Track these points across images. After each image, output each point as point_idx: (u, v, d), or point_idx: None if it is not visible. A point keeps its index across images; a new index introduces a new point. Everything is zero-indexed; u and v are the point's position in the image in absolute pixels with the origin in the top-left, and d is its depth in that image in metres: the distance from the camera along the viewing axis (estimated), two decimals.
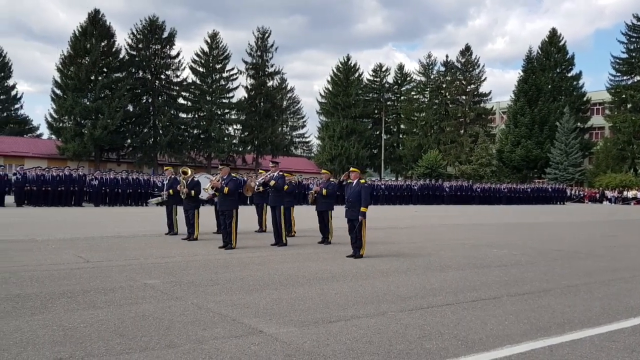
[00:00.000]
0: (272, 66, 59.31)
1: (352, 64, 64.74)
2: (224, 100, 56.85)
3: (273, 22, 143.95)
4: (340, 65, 64.72)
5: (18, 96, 59.18)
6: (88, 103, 48.54)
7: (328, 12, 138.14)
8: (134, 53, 52.94)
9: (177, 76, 55.14)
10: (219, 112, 56.34)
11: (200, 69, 56.00)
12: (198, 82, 56.07)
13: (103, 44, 49.77)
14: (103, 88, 49.13)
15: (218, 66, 56.48)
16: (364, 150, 61.68)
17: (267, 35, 58.90)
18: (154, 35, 53.13)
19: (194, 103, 55.93)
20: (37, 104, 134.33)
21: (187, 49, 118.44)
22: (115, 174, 28.24)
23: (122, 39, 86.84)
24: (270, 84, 59.34)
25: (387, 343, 4.65)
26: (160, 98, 53.99)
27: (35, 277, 7.20)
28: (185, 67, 55.38)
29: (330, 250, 10.88)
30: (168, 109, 53.70)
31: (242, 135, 58.34)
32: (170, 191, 12.90)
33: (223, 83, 56.84)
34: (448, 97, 65.26)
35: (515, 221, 22.14)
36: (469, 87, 64.45)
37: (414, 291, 6.91)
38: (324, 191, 11.86)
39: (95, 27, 49.62)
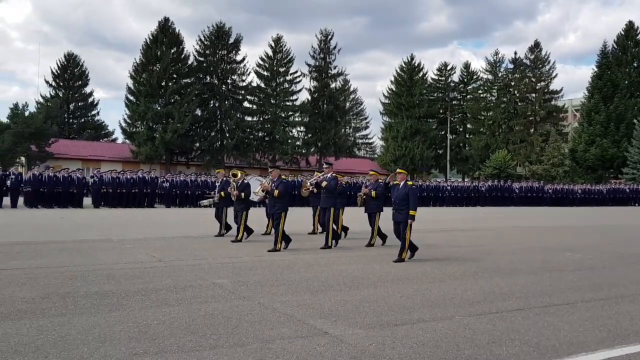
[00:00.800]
0: (335, 68, 59.52)
1: (415, 64, 63.94)
2: (287, 103, 57.56)
3: (335, 24, 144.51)
4: (403, 65, 64.05)
5: (95, 103, 62.31)
6: (159, 108, 50.43)
7: (391, 12, 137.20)
8: (202, 59, 54.54)
9: (243, 80, 56.36)
10: (283, 115, 57.06)
11: (265, 73, 56.96)
12: (263, 85, 57.05)
13: (172, 50, 51.56)
14: (173, 93, 50.90)
15: (282, 69, 57.27)
16: (428, 150, 60.75)
17: (329, 37, 59.18)
18: (220, 41, 54.53)
19: (259, 106, 56.95)
20: (112, 109, 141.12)
21: (251, 54, 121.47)
22: (185, 176, 29.24)
23: (191, 46, 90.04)
24: (333, 85, 59.55)
25: (455, 348, 4.56)
26: (226, 102, 55.36)
27: (111, 275, 7.56)
28: (250, 72, 56.55)
29: (395, 252, 10.78)
30: (234, 113, 54.94)
31: (306, 137, 58.86)
32: (222, 193, 12.95)
33: (287, 86, 57.56)
34: (517, 95, 63.13)
35: (590, 224, 21.14)
36: (538, 84, 62.08)
37: (482, 295, 6.74)
38: (373, 193, 11.69)
39: (165, 35, 51.49)
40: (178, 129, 48.80)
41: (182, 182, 27.66)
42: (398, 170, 10.12)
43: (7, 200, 23.12)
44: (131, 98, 51.87)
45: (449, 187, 37.55)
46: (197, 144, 53.72)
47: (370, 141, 70.98)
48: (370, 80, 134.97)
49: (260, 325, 5.10)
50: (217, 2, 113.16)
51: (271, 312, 5.65)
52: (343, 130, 61.77)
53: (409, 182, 9.69)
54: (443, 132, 65.02)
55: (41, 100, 58.66)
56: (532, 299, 6.57)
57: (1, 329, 4.78)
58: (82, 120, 61.59)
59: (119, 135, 61.27)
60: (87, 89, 61.92)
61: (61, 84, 60.14)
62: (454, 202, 36.35)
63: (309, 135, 58.61)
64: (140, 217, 19.43)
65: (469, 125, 67.07)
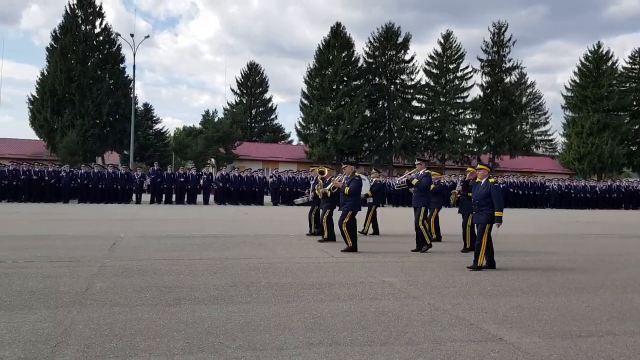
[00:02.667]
0: (509, 61, 56.41)
1: (603, 52, 57.89)
2: (458, 100, 56.02)
3: (510, 15, 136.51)
4: (589, 54, 58.40)
5: (273, 107, 67.21)
6: (330, 110, 52.47)
7: None
8: (371, 60, 55.46)
9: (412, 79, 56.13)
10: (453, 113, 55.66)
11: (434, 71, 56.09)
12: (432, 83, 56.27)
13: (343, 54, 53.25)
14: (343, 96, 52.58)
15: (452, 66, 55.89)
16: (619, 147, 54.61)
17: (503, 29, 56.25)
18: (389, 42, 54.94)
19: (427, 105, 56.27)
20: (288, 113, 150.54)
21: (420, 52, 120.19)
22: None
23: (360, 48, 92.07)
24: (507, 80, 56.50)
25: None
26: (395, 102, 55.62)
27: (289, 268, 8.06)
28: (419, 70, 56.12)
29: (577, 259, 9.92)
30: (402, 112, 54.99)
31: (478, 135, 56.69)
32: (315, 192, 12.54)
33: (457, 83, 56.03)
34: None
35: None
36: None
37: None
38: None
39: (337, 40, 53.36)
40: (348, 130, 50.29)
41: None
42: (479, 165, 9.05)
43: (200, 197, 25.91)
44: (305, 102, 54.71)
45: None
46: (366, 145, 54.77)
47: (550, 138, 66.04)
48: (550, 72, 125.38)
49: (431, 326, 5.05)
50: (386, 3, 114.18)
51: (442, 313, 5.57)
52: (519, 126, 58.29)
53: (491, 180, 8.59)
54: (637, 127, 57.92)
55: (228, 106, 64.87)
56: None
57: (197, 312, 5.37)
58: (263, 124, 66.66)
59: (294, 137, 65.14)
60: (267, 95, 67.06)
61: (244, 91, 65.81)
62: None
63: (481, 133, 56.32)
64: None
65: None
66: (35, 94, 44.44)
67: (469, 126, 57.26)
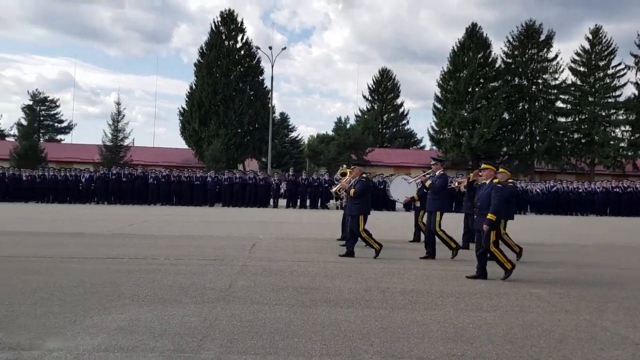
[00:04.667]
0: None
1: None
2: (609, 100, 51.25)
3: None
4: None
5: (405, 113, 66.64)
6: (466, 114, 50.73)
7: None
8: (510, 61, 52.80)
9: (555, 79, 52.45)
10: (603, 114, 51.05)
11: (581, 69, 51.93)
12: (578, 82, 52.12)
13: (479, 55, 51.28)
14: (480, 98, 50.59)
15: (601, 63, 51.35)
16: None
17: None
18: (530, 40, 51.94)
19: (574, 106, 52.19)
20: (419, 119, 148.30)
21: (565, 50, 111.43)
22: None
23: (498, 48, 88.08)
24: None
25: None
26: (537, 103, 52.38)
27: (425, 275, 7.80)
28: (563, 69, 52.27)
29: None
30: (545, 114, 51.56)
31: (632, 138, 51.34)
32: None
33: (608, 81, 51.31)
34: None
35: None
36: None
37: None
38: None
39: (473, 41, 51.51)
40: (484, 134, 48.26)
41: None
42: (483, 165, 7.99)
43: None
44: (438, 106, 53.46)
45: None
46: (505, 149, 52.14)
47: None
48: None
49: (589, 344, 4.54)
50: (525, 0, 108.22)
51: (600, 330, 5.00)
52: None
53: (495, 180, 7.58)
54: None
55: (359, 113, 65.58)
56: None
57: (332, 314, 5.34)
58: (394, 129, 66.37)
59: (426, 143, 63.96)
60: (398, 101, 66.65)
61: (376, 97, 66.03)
62: None
63: (637, 135, 50.95)
64: (450, 221, 19.71)
65: None
66: (185, 106, 48.32)
67: (622, 128, 52.06)
